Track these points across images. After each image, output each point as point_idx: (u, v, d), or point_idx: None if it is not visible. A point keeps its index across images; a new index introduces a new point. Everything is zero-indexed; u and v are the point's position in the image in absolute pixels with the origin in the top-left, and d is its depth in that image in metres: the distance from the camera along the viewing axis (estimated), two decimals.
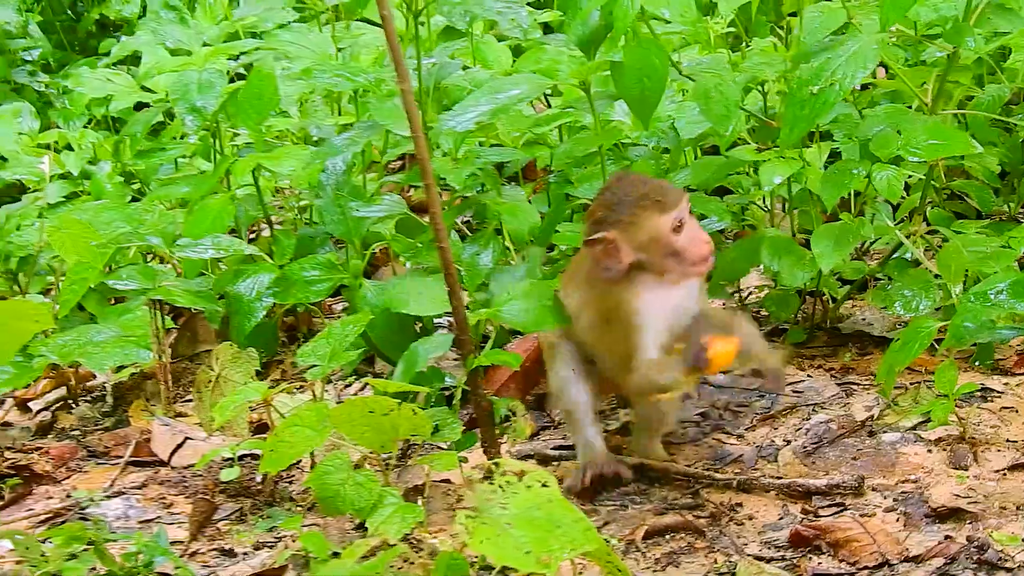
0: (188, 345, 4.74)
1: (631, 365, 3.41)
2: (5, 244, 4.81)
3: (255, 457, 3.82)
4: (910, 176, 3.98)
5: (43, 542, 3.14)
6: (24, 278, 4.87)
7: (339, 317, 4.74)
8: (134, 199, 5.25)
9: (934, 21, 3.73)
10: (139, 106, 5.70)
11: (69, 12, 8.20)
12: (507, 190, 4.42)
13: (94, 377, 4.61)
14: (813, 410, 3.89)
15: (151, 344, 4.08)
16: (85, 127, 6.65)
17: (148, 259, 4.97)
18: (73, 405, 4.47)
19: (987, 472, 3.49)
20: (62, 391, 4.55)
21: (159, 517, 3.61)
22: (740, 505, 3.43)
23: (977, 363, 3.97)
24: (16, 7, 7.57)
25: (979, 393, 3.84)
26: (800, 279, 3.99)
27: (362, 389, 4.26)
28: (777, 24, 5.22)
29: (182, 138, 5.57)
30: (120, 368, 4.43)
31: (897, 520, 3.29)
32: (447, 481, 3.62)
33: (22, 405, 4.48)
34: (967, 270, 3.82)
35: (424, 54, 4.22)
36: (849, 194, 4.14)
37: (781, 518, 3.36)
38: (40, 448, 4.09)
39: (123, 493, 3.77)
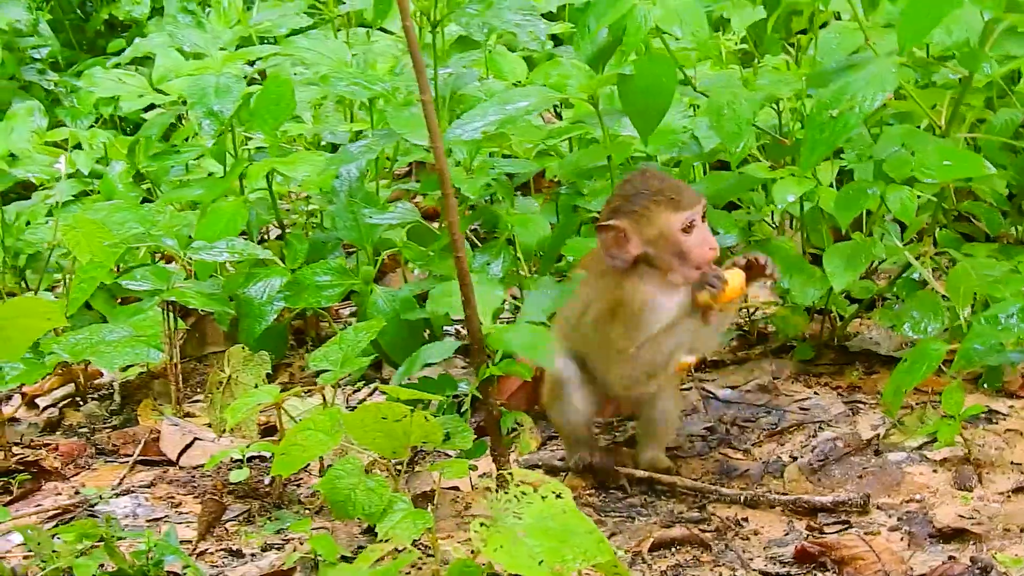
0: (196, 346, 4.77)
1: (623, 358, 3.48)
2: (15, 241, 4.83)
3: (263, 459, 3.84)
4: (919, 196, 4.00)
5: (53, 538, 3.16)
6: (34, 275, 4.88)
7: (346, 322, 4.76)
8: (144, 200, 5.27)
9: (952, 46, 3.75)
10: (147, 107, 5.74)
11: (78, 11, 8.21)
12: (519, 201, 4.44)
13: (101, 375, 4.63)
14: (819, 427, 3.91)
15: (163, 345, 4.10)
16: (91, 126, 6.67)
17: (155, 260, 4.99)
18: (81, 403, 4.48)
19: (991, 494, 3.50)
20: (69, 388, 4.57)
21: (167, 516, 3.62)
22: (746, 520, 3.45)
23: (985, 385, 3.99)
24: (27, 5, 7.59)
25: (984, 415, 3.86)
26: (811, 297, 4.01)
27: (371, 394, 4.28)
28: (787, 41, 5.25)
29: (187, 140, 5.60)
30: (127, 367, 4.45)
31: (901, 539, 3.31)
32: (455, 488, 3.64)
33: (29, 402, 4.50)
34: (975, 293, 3.84)
35: (440, 64, 4.25)
36: (861, 214, 4.17)
37: (786, 534, 3.38)
38: (48, 444, 4.11)
39: (132, 491, 3.78)
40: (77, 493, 3.79)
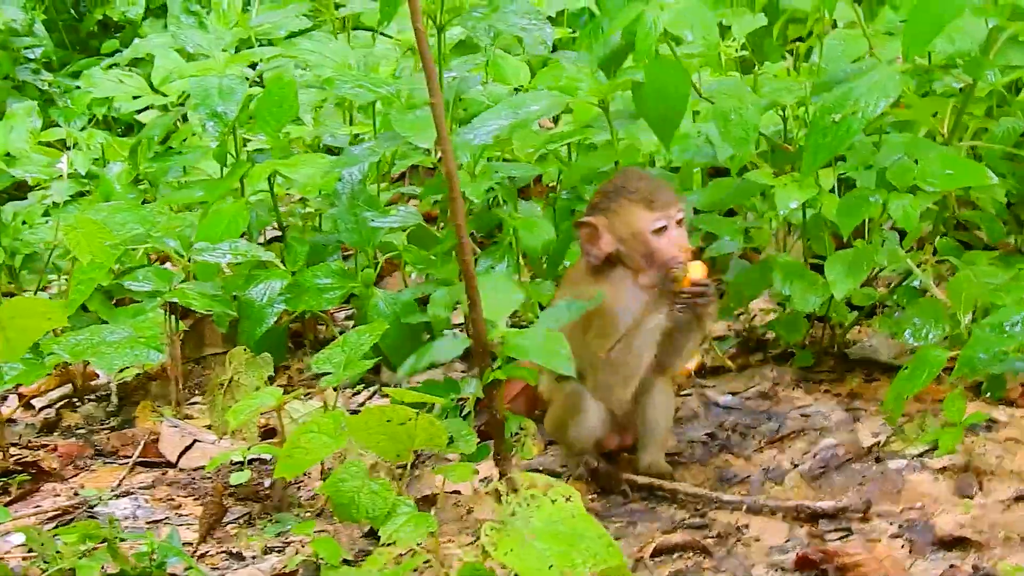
0: (194, 348, 4.75)
1: (600, 363, 3.51)
2: (12, 241, 4.81)
3: (263, 461, 3.84)
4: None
5: (54, 539, 3.15)
6: (30, 276, 4.87)
7: (342, 326, 4.75)
8: (143, 201, 5.26)
9: (955, 54, 3.76)
10: (141, 109, 5.74)
11: (72, 11, 8.19)
12: (522, 205, 4.44)
13: (98, 376, 4.62)
14: (820, 434, 3.90)
15: (163, 346, 4.09)
16: (84, 128, 6.65)
17: (151, 261, 4.98)
18: (78, 404, 4.47)
19: (992, 502, 3.50)
20: (66, 389, 4.56)
21: (167, 518, 3.62)
22: (747, 526, 3.44)
23: (988, 394, 3.99)
24: (22, 5, 7.58)
25: (984, 423, 3.86)
26: (812, 304, 4.02)
27: (370, 397, 4.27)
28: (786, 48, 5.26)
29: (184, 141, 5.59)
30: (124, 368, 4.44)
31: (903, 547, 3.30)
32: (457, 492, 3.63)
33: (25, 403, 4.48)
34: (976, 300, 3.85)
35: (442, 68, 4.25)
36: (863, 221, 4.17)
37: (788, 540, 3.37)
38: (47, 445, 4.10)
39: (131, 493, 3.78)
40: (76, 494, 3.78)
